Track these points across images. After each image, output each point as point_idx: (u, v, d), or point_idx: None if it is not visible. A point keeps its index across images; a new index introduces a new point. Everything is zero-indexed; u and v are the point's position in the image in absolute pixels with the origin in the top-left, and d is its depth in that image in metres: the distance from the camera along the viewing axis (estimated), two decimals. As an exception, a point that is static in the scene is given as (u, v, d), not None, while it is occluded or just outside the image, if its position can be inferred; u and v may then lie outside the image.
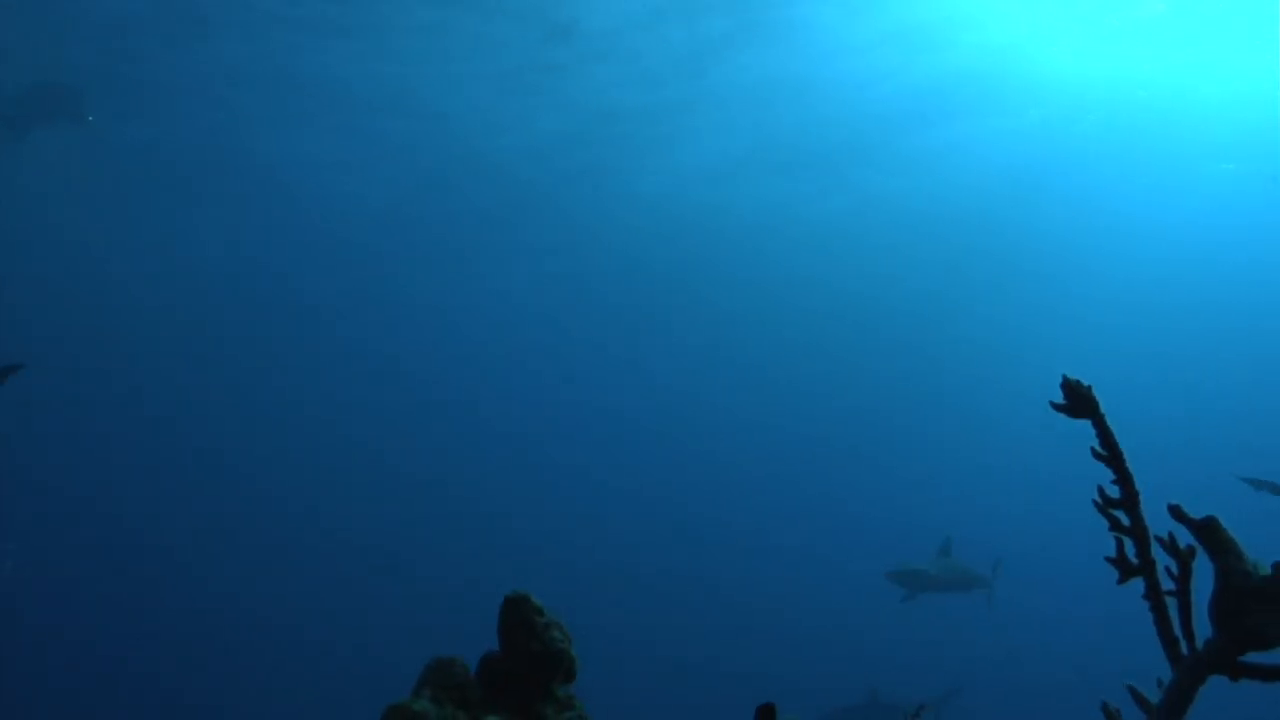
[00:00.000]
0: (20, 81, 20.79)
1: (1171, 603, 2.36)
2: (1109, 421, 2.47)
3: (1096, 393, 2.50)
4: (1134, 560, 2.42)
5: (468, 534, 35.70)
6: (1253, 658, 2.25)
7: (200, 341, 36.77)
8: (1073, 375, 2.54)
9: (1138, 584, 2.44)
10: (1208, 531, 2.31)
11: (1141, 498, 2.42)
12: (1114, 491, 2.44)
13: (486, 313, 37.12)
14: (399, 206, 29.88)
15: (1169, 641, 2.35)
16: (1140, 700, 2.38)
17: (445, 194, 29.08)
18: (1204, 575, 2.31)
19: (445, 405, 40.50)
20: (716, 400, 40.55)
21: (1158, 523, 2.40)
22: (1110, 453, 2.44)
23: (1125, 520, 2.43)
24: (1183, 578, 2.35)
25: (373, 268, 33.84)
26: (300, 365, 38.84)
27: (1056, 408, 2.50)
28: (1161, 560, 2.39)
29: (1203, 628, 2.30)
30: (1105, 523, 2.46)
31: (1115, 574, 2.47)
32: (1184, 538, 2.34)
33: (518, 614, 2.38)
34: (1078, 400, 2.50)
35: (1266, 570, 2.25)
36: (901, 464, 40.66)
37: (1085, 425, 2.53)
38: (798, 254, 32.70)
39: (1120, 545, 2.44)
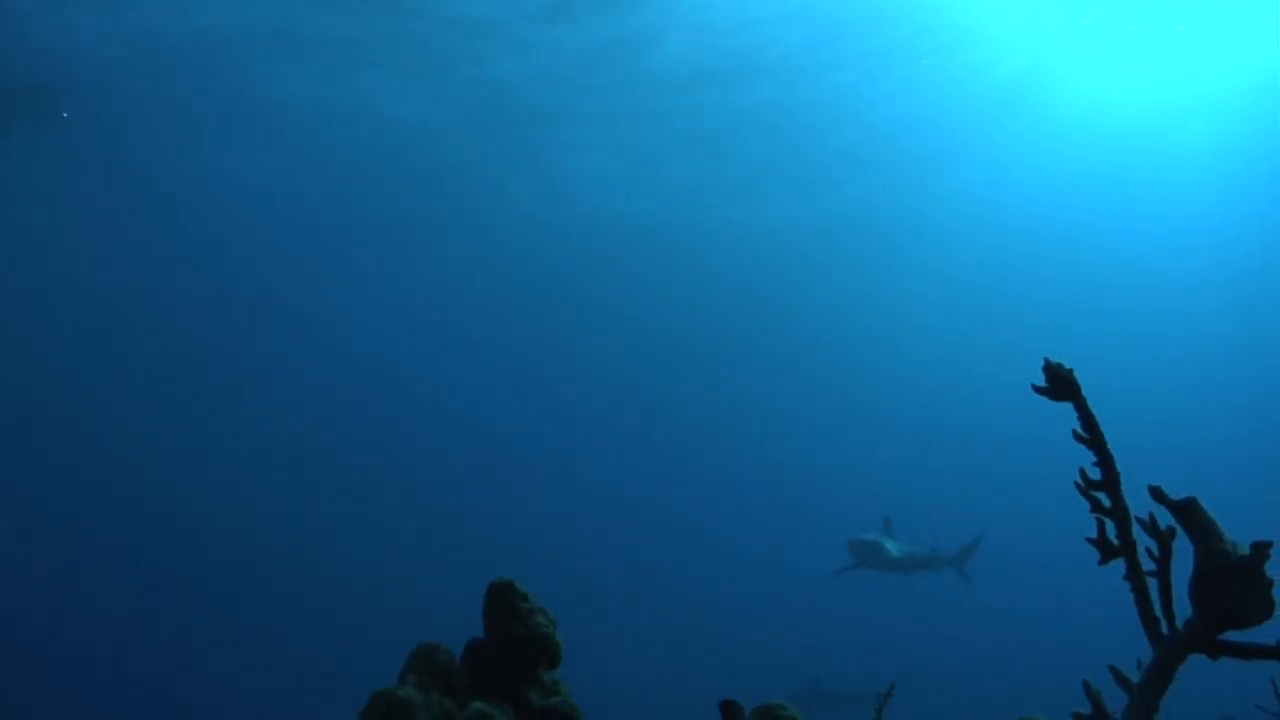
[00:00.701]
0: None
1: (1152, 583, 2.39)
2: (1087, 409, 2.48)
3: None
4: (1115, 541, 2.44)
5: (431, 532, 35.77)
6: (1232, 636, 2.28)
7: (180, 345, 36.33)
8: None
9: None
10: (1187, 512, 2.34)
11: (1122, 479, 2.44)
12: (1095, 473, 2.46)
13: (449, 314, 37.09)
14: (373, 210, 29.94)
15: (1149, 621, 2.37)
16: (1121, 680, 2.40)
17: (421, 201, 29.17)
18: (1184, 556, 2.33)
19: (420, 405, 40.31)
20: (661, 399, 40.65)
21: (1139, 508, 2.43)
22: (1092, 435, 2.46)
23: (1106, 502, 2.45)
24: (1163, 558, 2.37)
25: (353, 274, 33.89)
26: (281, 367, 38.53)
27: (1038, 391, 2.51)
28: (1143, 542, 2.41)
29: (1183, 608, 2.33)
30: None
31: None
32: (1164, 520, 2.37)
33: (502, 599, 2.33)
34: (1059, 383, 2.51)
35: (1245, 550, 2.28)
36: (843, 461, 41.14)
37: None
38: (740, 260, 33.05)
39: (1101, 527, 2.46)
